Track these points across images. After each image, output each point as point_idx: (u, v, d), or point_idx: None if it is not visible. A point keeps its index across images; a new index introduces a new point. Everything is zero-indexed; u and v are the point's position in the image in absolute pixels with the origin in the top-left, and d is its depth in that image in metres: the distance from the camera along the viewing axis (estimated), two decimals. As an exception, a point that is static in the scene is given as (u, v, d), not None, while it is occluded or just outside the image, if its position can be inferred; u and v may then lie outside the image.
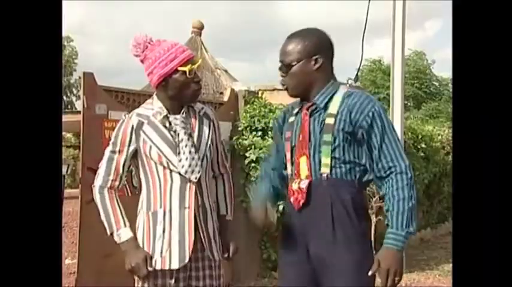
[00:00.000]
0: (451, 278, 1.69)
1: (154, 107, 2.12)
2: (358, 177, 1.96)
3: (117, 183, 2.13)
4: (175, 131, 2.09)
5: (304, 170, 1.98)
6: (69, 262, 5.44)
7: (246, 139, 4.78)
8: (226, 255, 2.22)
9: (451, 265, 2.00)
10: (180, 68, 2.05)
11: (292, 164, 2.04)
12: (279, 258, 2.15)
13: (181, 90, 2.08)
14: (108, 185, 2.12)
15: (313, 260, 1.96)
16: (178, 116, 2.11)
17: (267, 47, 70.11)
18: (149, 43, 2.10)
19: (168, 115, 2.10)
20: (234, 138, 4.81)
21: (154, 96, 2.15)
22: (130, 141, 2.09)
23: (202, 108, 2.22)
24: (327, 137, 1.93)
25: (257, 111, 4.92)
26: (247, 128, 4.86)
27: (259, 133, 4.82)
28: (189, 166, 2.06)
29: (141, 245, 2.09)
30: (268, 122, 4.86)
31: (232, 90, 5.07)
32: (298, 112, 2.07)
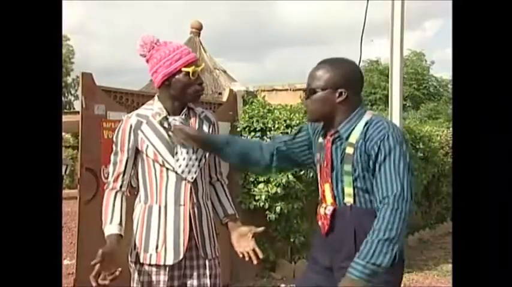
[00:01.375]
0: (450, 279, 1.69)
1: (154, 108, 2.15)
2: None
3: (120, 182, 2.14)
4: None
5: (328, 197, 2.00)
6: (67, 262, 5.43)
7: (244, 139, 4.78)
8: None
9: (449, 265, 2.00)
10: (184, 69, 2.10)
11: (319, 186, 2.06)
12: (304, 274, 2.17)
13: (184, 90, 2.11)
14: (111, 185, 2.16)
15: (337, 281, 1.92)
16: (177, 117, 2.14)
17: (266, 47, 70.28)
18: (156, 44, 2.14)
19: (168, 116, 2.13)
20: (233, 138, 4.81)
21: (156, 97, 2.19)
22: (129, 139, 2.13)
23: (203, 112, 2.26)
24: (347, 167, 1.92)
25: (256, 111, 4.92)
26: (246, 129, 4.86)
27: (258, 134, 4.82)
28: (186, 166, 2.10)
29: (134, 236, 2.14)
30: (267, 123, 4.86)
31: (231, 90, 5.07)
32: (324, 136, 2.04)
